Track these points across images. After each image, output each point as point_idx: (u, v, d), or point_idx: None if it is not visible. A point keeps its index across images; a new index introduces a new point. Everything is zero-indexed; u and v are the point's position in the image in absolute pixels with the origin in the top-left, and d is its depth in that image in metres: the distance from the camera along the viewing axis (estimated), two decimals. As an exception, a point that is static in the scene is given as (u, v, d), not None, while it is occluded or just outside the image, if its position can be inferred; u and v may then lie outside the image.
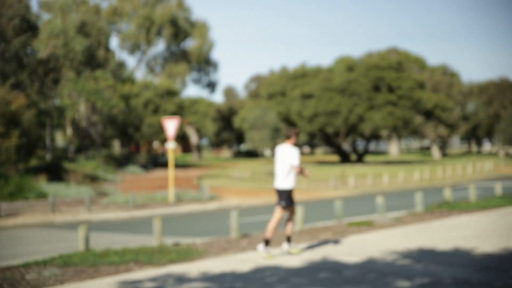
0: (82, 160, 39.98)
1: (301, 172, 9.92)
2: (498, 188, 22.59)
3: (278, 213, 10.04)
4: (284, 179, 9.98)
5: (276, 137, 46.15)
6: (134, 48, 67.31)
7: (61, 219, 20.06)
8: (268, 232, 9.95)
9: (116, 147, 58.97)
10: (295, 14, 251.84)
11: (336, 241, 11.61)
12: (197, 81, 77.24)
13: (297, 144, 10.17)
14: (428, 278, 7.93)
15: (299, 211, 14.09)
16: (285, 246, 10.24)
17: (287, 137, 10.11)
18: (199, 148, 78.12)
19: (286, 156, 9.97)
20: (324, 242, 11.56)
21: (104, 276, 8.73)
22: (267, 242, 9.90)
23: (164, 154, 68.45)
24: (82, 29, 46.02)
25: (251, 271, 8.79)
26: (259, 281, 8.10)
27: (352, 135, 67.21)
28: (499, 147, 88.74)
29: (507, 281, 7.61)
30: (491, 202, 18.29)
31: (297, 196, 29.04)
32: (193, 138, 76.36)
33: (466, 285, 7.47)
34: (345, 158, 67.53)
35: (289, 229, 10.18)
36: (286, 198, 9.97)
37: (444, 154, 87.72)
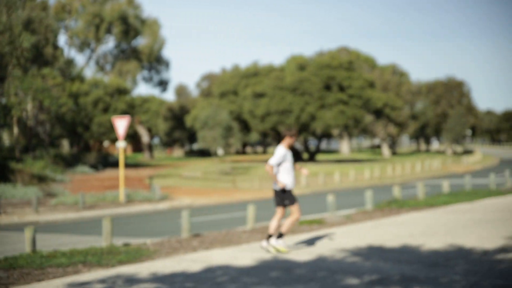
0: (29, 160, 39.05)
1: (273, 173, 9.91)
2: (446, 185, 23.09)
3: (278, 212, 10.10)
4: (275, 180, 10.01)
5: (228, 136, 46.10)
6: (83, 46, 66.10)
7: (7, 220, 19.55)
8: (272, 229, 10.09)
9: (65, 146, 57.85)
10: (247, 12, 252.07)
11: (287, 240, 11.64)
12: (148, 80, 76.41)
13: (290, 147, 10.20)
14: (377, 275, 8.03)
15: (250, 210, 14.09)
16: (272, 241, 10.13)
17: (283, 138, 10.10)
18: (150, 148, 77.36)
19: None
20: (275, 241, 11.57)
21: (52, 279, 8.53)
22: (280, 235, 10.06)
23: (114, 154, 67.56)
24: (29, 26, 44.95)
25: (202, 271, 8.73)
26: (210, 281, 8.05)
27: (304, 134, 67.68)
28: (447, 145, 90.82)
29: (453, 277, 7.77)
30: (439, 200, 18.69)
31: (249, 196, 29.10)
32: (144, 137, 75.58)
33: (413, 281, 7.59)
34: (297, 157, 67.95)
35: (284, 226, 10.16)
36: (275, 198, 10.07)
37: (394, 153, 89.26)
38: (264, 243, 10.13)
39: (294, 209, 9.98)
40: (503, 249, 9.67)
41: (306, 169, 10.40)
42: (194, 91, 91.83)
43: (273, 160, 9.83)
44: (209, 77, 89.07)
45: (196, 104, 72.38)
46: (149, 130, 74.58)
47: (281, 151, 9.83)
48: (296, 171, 10.03)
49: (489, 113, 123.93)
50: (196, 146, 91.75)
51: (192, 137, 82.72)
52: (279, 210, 10.11)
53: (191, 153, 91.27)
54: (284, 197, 10.00)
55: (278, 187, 9.98)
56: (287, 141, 9.95)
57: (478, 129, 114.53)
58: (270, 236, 10.08)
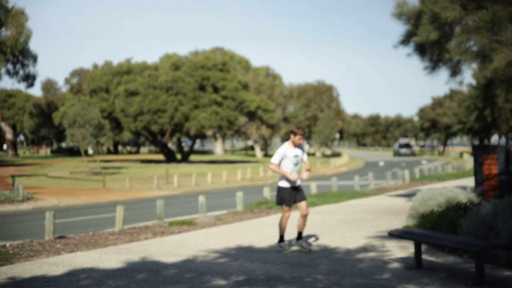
0: None
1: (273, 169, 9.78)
2: (313, 187, 23.87)
3: (283, 211, 9.91)
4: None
5: (99, 135, 44.81)
6: None
7: None
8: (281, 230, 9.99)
9: None
10: (120, 8, 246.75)
11: (156, 241, 11.48)
12: (13, 74, 72.57)
13: (296, 145, 9.90)
14: (244, 275, 8.09)
15: (119, 211, 13.74)
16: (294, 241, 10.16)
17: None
18: (14, 145, 73.52)
19: None
20: (144, 243, 11.37)
21: None
22: (299, 236, 9.94)
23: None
24: None
25: (64, 275, 8.37)
26: (72, 284, 7.74)
27: (178, 134, 67.34)
28: (317, 148, 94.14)
29: (316, 276, 8.00)
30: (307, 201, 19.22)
31: (119, 196, 28.43)
32: (8, 134, 71.70)
33: (278, 281, 7.73)
34: (170, 157, 67.47)
35: (299, 225, 9.93)
36: (276, 196, 9.90)
37: (267, 154, 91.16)
38: (295, 244, 10.10)
39: (284, 209, 9.85)
40: (364, 249, 10.11)
41: (307, 173, 9.78)
42: (63, 87, 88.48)
43: (273, 158, 9.76)
44: (79, 73, 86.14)
45: (65, 101, 69.76)
46: (14, 126, 70.84)
47: (281, 149, 9.71)
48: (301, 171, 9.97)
49: (355, 117, 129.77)
50: (65, 145, 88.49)
51: (60, 135, 79.66)
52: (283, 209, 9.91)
53: (60, 152, 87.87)
54: (295, 193, 9.78)
55: (289, 184, 9.77)
56: (291, 139, 9.72)
57: (346, 133, 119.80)
58: (301, 234, 10.01)
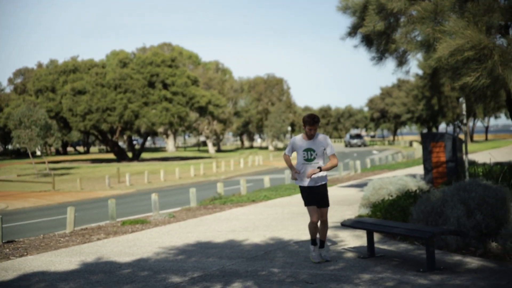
0: None
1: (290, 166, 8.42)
2: (267, 180, 23.95)
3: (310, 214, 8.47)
4: None
5: (46, 136, 43.88)
6: None
7: None
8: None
9: None
10: (64, 4, 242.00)
11: (109, 242, 11.31)
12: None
13: (310, 137, 8.30)
14: (199, 272, 8.05)
15: (69, 212, 13.49)
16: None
17: None
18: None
19: None
20: (97, 244, 11.19)
21: None
22: (313, 242, 8.41)
23: None
24: None
25: (14, 280, 8.17)
26: (23, 290, 7.55)
27: (128, 132, 66.54)
28: (269, 141, 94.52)
29: (271, 269, 8.02)
30: (260, 195, 19.30)
31: (69, 197, 27.91)
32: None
33: (234, 276, 7.72)
34: (121, 156, 66.64)
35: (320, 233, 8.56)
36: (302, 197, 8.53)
37: (219, 150, 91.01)
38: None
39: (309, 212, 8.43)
40: (318, 239, 10.19)
41: (313, 170, 8.14)
42: (7, 88, 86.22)
43: (286, 149, 8.52)
44: (23, 73, 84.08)
45: (10, 102, 68.01)
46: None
47: (292, 140, 8.39)
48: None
49: (307, 109, 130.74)
50: (11, 147, 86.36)
51: (6, 136, 77.71)
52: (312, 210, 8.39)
53: (6, 154, 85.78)
54: (316, 195, 8.42)
55: (302, 182, 8.34)
56: (305, 129, 8.26)
57: (298, 125, 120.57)
58: (323, 243, 8.56)
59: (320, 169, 8.11)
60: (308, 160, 8.22)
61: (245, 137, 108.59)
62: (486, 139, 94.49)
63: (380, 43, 12.16)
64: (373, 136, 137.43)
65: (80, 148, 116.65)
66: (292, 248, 9.58)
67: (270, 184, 24.12)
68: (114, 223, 14.49)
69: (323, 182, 8.36)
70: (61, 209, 21.42)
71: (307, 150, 8.23)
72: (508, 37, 9.49)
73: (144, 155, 79.06)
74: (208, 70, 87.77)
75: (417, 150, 47.33)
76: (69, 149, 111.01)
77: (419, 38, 9.95)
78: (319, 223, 8.42)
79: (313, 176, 8.18)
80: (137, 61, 62.27)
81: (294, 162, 8.46)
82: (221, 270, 8.13)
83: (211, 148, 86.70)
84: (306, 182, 8.28)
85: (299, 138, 8.34)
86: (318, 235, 8.51)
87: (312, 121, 8.14)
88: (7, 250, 10.92)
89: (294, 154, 8.56)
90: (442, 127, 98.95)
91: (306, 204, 8.33)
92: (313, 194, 8.31)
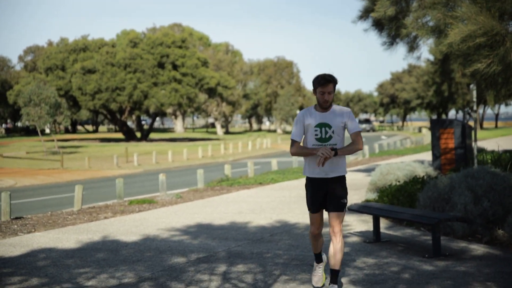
0: None
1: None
2: (274, 163, 23.96)
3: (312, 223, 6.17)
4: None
5: (56, 114, 44.02)
6: None
7: None
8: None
9: None
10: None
11: (116, 221, 11.38)
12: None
13: (323, 108, 5.87)
14: (204, 253, 8.09)
15: (77, 190, 13.55)
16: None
17: None
18: (-31, 125, 71.76)
19: None
20: (104, 222, 11.26)
21: None
22: (317, 258, 6.28)
23: None
24: None
25: (21, 256, 8.23)
26: (30, 265, 7.62)
27: (137, 112, 66.62)
28: (277, 124, 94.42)
29: (275, 251, 8.04)
30: (267, 177, 19.32)
31: (77, 176, 28.04)
32: (-37, 114, 69.91)
33: (238, 257, 7.75)
34: (130, 136, 66.80)
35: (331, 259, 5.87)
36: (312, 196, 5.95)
37: (227, 132, 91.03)
38: None
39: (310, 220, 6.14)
40: (324, 224, 10.19)
41: (329, 151, 5.57)
42: (17, 66, 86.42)
43: (293, 132, 5.91)
44: (34, 51, 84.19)
45: (20, 79, 68.19)
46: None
47: (299, 114, 5.89)
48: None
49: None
50: (20, 124, 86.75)
51: (16, 114, 78.01)
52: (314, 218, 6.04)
53: (15, 132, 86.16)
54: (325, 193, 5.86)
55: (312, 173, 5.84)
56: (316, 95, 5.79)
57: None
58: (335, 274, 5.84)
59: (336, 152, 5.61)
60: (322, 140, 5.75)
61: (253, 120, 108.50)
62: (496, 127, 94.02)
63: (391, 28, 12.06)
64: (382, 121, 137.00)
65: (89, 127, 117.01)
66: (298, 231, 9.60)
67: (278, 167, 24.13)
68: (121, 202, 14.56)
69: (340, 174, 5.80)
70: (69, 187, 21.54)
71: (321, 125, 5.76)
72: (521, 24, 9.40)
73: (153, 135, 79.22)
74: (218, 51, 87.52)
75: (426, 136, 47.17)
76: (78, 127, 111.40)
77: (430, 24, 9.86)
78: (329, 232, 5.87)
79: (325, 162, 5.63)
80: (147, 41, 62.14)
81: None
82: (226, 251, 8.16)
83: (219, 130, 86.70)
84: (314, 172, 5.82)
85: (308, 111, 5.86)
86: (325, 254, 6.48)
87: (323, 80, 5.69)
88: (15, 226, 11.01)
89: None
90: (452, 113, 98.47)
91: (310, 206, 5.94)
92: (322, 192, 5.83)
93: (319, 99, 5.77)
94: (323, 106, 5.77)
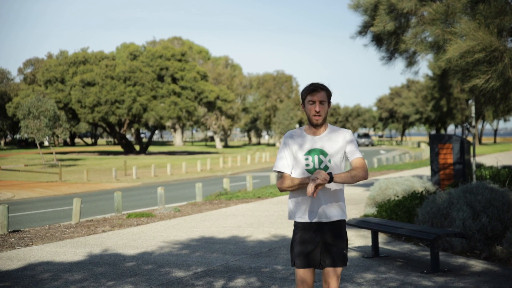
0: None
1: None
2: (273, 177, 23.94)
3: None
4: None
5: (55, 126, 44.02)
6: None
7: None
8: None
9: None
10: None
11: (114, 234, 11.35)
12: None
13: (314, 125, 4.52)
14: (202, 267, 8.07)
15: (75, 203, 13.52)
16: None
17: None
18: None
19: None
20: (102, 236, 11.23)
21: None
22: None
23: None
24: None
25: (19, 269, 8.20)
26: (28, 278, 7.59)
27: (136, 125, 66.65)
28: (276, 138, 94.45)
29: (274, 266, 8.03)
30: (266, 191, 19.30)
31: (76, 189, 28.01)
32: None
33: (237, 272, 7.73)
34: (129, 149, 66.76)
35: None
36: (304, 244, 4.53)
37: (226, 145, 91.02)
38: None
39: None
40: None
41: (323, 175, 4.24)
42: (17, 78, 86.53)
43: (277, 164, 4.61)
44: (33, 63, 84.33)
45: (19, 92, 68.24)
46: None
47: (285, 136, 4.60)
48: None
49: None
50: (19, 136, 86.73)
51: (15, 126, 78.02)
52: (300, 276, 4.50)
53: (14, 144, 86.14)
54: (318, 243, 4.48)
55: (301, 212, 4.53)
56: (306, 111, 4.52)
57: (306, 123, 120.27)
58: None
59: (331, 177, 4.27)
60: (315, 171, 4.37)
61: (252, 133, 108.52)
62: (495, 142, 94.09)
63: (390, 43, 12.13)
64: (381, 136, 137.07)
65: (88, 140, 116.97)
66: (296, 245, 9.58)
67: (277, 181, 24.09)
68: (120, 216, 14.52)
69: (338, 218, 4.47)
70: (67, 200, 21.50)
71: (312, 152, 4.46)
72: (520, 40, 9.46)
73: (152, 148, 79.20)
74: (217, 65, 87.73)
75: (425, 151, 47.17)
76: (77, 140, 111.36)
77: (429, 39, 9.92)
78: None
79: (317, 189, 4.25)
80: (147, 54, 62.28)
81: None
82: (224, 265, 8.14)
83: (218, 143, 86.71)
84: (305, 215, 4.47)
85: (296, 132, 4.56)
86: None
87: (313, 86, 4.45)
88: (13, 239, 10.98)
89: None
90: (451, 128, 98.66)
91: (297, 260, 4.47)
92: (315, 240, 4.46)
93: (308, 113, 4.44)
94: (315, 122, 4.42)
